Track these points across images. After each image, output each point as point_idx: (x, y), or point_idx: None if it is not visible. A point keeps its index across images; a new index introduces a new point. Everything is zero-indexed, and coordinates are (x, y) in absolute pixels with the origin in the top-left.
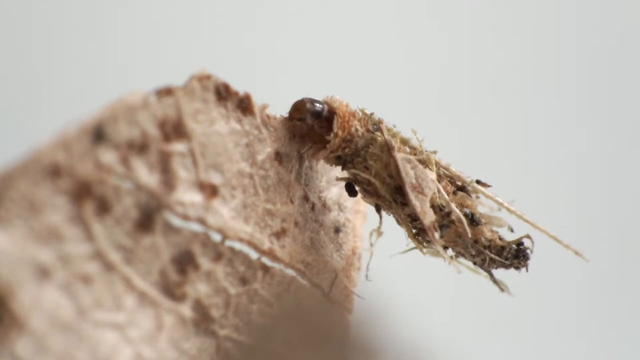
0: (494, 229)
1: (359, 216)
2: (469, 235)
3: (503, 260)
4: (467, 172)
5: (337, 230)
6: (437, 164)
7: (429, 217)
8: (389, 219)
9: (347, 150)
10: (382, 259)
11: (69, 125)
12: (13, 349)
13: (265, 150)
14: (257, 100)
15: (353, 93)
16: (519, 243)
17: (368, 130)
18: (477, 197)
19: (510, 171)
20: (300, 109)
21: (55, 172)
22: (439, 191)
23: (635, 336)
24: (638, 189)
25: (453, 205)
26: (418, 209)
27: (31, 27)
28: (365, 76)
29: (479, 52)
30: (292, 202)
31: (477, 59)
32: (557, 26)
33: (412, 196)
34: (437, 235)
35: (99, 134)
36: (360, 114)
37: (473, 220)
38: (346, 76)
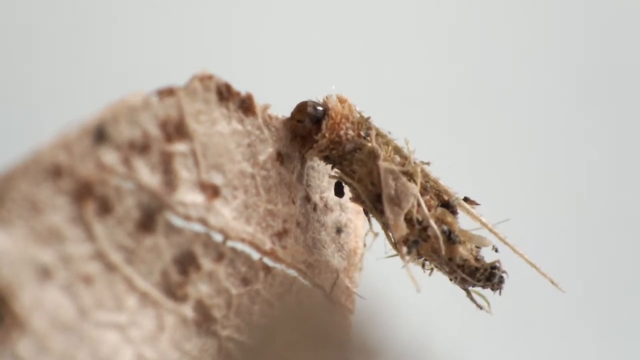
0: (476, 248)
1: (361, 216)
2: (444, 252)
3: (475, 282)
4: (471, 173)
5: (338, 231)
6: (426, 176)
7: (400, 230)
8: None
9: (334, 152)
10: (383, 259)
11: (70, 125)
12: (14, 350)
13: (266, 151)
14: (258, 101)
15: (358, 95)
16: (493, 266)
17: (359, 135)
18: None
19: (514, 171)
20: (302, 111)
21: (56, 172)
22: (419, 205)
23: (635, 336)
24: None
25: (432, 221)
26: (391, 222)
27: (32, 27)
28: (370, 77)
29: (487, 54)
30: (293, 202)
31: (485, 61)
32: (563, 31)
33: (388, 208)
34: (404, 250)
35: (100, 135)
36: (358, 116)
37: (450, 237)
38: (351, 76)
